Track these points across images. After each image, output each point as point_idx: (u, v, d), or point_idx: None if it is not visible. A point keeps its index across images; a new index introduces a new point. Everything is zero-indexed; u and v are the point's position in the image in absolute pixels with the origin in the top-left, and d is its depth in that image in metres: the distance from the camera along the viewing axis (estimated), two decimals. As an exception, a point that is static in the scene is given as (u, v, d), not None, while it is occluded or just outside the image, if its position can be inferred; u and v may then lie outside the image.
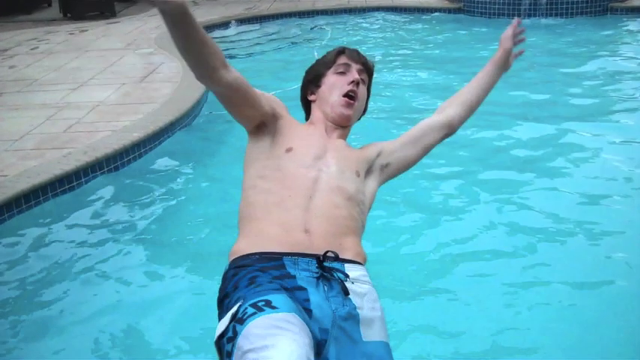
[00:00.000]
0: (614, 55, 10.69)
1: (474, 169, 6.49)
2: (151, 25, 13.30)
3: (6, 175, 5.92)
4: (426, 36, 12.67)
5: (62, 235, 5.47)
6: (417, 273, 4.80)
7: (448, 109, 2.84)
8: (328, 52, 2.77)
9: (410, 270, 4.85)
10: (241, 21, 13.97)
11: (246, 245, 2.38)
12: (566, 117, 7.84)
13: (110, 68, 9.80)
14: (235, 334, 2.03)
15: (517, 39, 2.94)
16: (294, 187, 2.35)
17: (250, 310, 2.05)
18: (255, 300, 2.09)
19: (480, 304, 4.36)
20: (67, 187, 5.99)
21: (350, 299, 2.24)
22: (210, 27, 13.43)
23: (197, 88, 8.45)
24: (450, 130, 2.85)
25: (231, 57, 11.68)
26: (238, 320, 2.06)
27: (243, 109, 2.55)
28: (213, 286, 4.75)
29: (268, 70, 10.61)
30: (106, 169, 6.35)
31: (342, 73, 2.66)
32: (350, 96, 2.61)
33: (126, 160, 6.59)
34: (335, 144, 2.57)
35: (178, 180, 6.57)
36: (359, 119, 2.79)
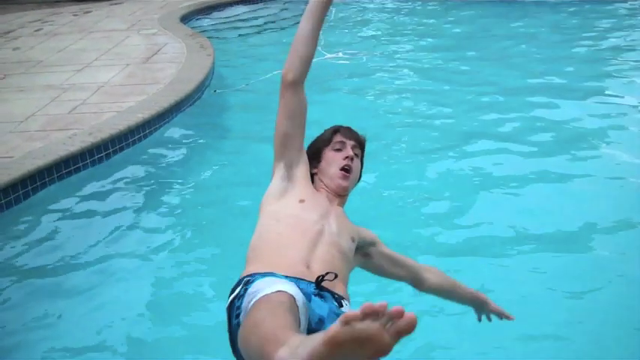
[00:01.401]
0: (618, 32, 10.61)
1: (483, 151, 6.48)
2: (154, 6, 13.26)
3: (11, 157, 5.93)
4: (429, 14, 12.60)
5: (68, 216, 5.49)
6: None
7: (428, 276, 3.21)
8: (325, 131, 3.13)
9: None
10: (245, 1, 13.90)
11: (255, 269, 2.60)
12: (574, 95, 7.79)
13: (114, 49, 9.78)
14: (245, 291, 2.34)
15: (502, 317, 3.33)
16: (302, 233, 2.68)
17: (259, 275, 2.41)
18: (264, 274, 2.44)
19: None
20: (72, 168, 6.00)
21: (343, 310, 2.52)
22: (214, 7, 13.39)
23: (201, 69, 8.44)
24: (414, 285, 3.23)
25: (237, 36, 11.66)
26: (249, 283, 2.39)
27: (294, 126, 2.93)
28: (225, 254, 4.85)
29: (272, 51, 10.58)
30: (111, 150, 6.36)
31: (339, 150, 3.03)
32: (346, 169, 2.98)
33: (131, 140, 6.59)
34: (336, 210, 2.92)
35: (184, 159, 6.59)
36: (355, 186, 3.13)
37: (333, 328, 1.50)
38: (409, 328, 1.47)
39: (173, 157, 6.59)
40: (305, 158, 3.00)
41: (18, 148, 6.11)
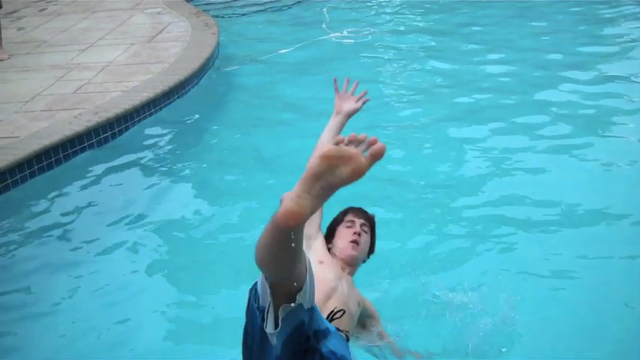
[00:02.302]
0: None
1: (491, 137, 6.40)
2: (158, -15, 13.19)
3: (17, 137, 5.95)
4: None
5: (74, 195, 5.52)
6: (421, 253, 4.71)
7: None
8: (339, 212, 3.56)
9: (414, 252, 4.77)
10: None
11: None
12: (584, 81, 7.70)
13: (119, 28, 9.76)
14: None
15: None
16: (320, 287, 2.87)
17: None
18: None
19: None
20: (78, 147, 6.01)
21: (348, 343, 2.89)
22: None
23: (206, 47, 8.41)
24: None
25: (240, 15, 11.61)
26: None
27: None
28: (235, 228, 4.93)
29: (275, 29, 10.55)
30: (117, 130, 6.37)
31: (349, 227, 3.46)
32: (354, 241, 3.38)
33: (137, 119, 6.60)
34: (347, 278, 3.32)
35: (190, 137, 6.60)
36: (366, 260, 3.52)
37: (327, 146, 1.91)
38: (380, 153, 1.89)
39: (179, 136, 6.60)
40: (322, 237, 3.42)
41: (23, 128, 6.12)
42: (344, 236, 3.42)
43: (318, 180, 1.92)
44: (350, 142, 1.90)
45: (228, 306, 3.88)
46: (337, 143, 1.90)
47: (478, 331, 3.62)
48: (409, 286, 4.14)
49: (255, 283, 2.39)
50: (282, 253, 2.09)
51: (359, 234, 3.42)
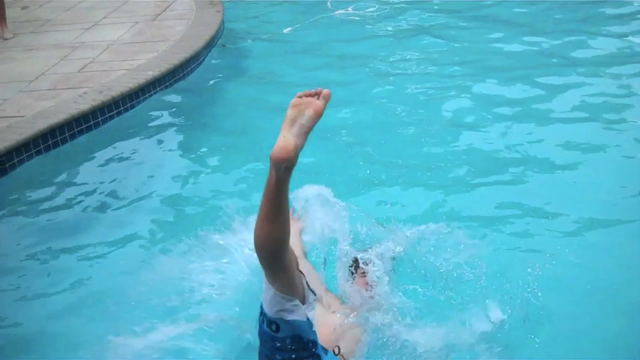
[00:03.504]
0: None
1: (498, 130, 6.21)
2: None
3: (23, 116, 5.95)
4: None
5: (81, 173, 5.53)
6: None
7: None
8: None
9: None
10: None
11: None
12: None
13: (123, 7, 9.71)
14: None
15: None
16: (323, 331, 3.25)
17: None
18: None
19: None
20: (83, 126, 6.01)
21: None
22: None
23: (210, 25, 8.38)
24: None
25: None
26: None
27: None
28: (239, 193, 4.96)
29: (281, 7, 10.49)
30: (122, 108, 6.36)
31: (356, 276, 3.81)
32: (366, 284, 3.67)
33: (142, 98, 6.59)
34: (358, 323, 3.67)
35: (195, 116, 6.58)
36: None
37: (293, 99, 2.61)
38: (327, 95, 2.59)
39: (184, 114, 6.59)
40: (332, 294, 3.71)
41: (29, 107, 6.12)
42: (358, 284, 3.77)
43: (294, 122, 2.57)
44: (307, 95, 2.60)
45: (243, 277, 3.87)
46: (300, 96, 2.61)
47: (494, 315, 3.60)
48: (420, 266, 4.11)
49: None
50: (276, 208, 2.61)
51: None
